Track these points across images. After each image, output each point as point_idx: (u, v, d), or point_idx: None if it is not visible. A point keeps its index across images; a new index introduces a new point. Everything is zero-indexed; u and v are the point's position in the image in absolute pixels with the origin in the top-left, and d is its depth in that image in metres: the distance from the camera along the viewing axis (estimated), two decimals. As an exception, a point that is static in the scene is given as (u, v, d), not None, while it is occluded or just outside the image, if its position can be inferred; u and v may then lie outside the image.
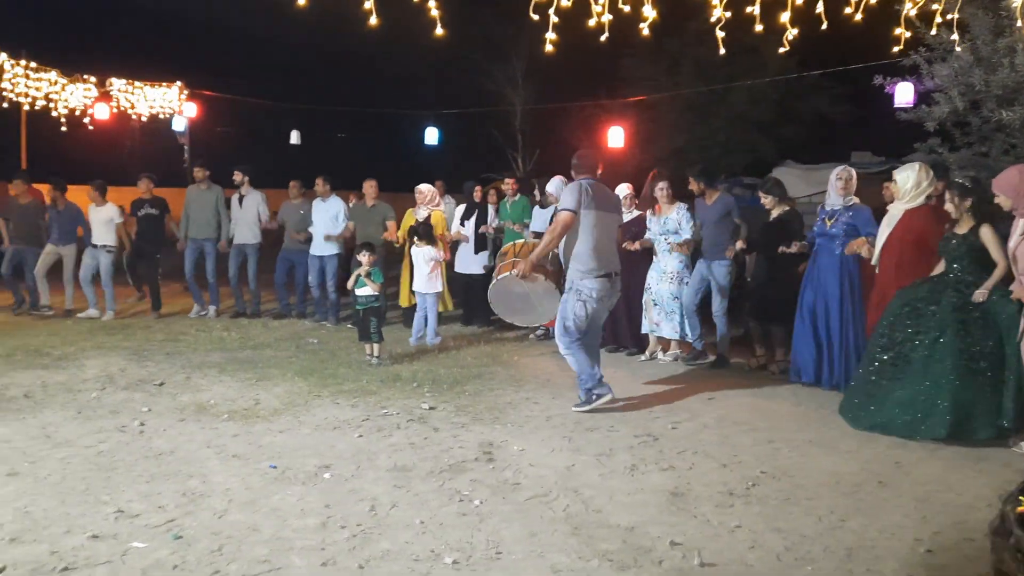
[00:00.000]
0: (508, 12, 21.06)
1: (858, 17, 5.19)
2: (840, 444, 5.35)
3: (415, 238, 8.52)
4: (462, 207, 9.99)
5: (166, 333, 9.01)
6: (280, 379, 6.89)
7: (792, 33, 5.14)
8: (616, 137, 15.73)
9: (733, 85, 19.27)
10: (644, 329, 8.12)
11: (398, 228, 9.56)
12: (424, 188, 9.46)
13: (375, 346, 7.59)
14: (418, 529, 3.88)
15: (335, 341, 8.69)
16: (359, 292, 7.64)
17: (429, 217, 9.10)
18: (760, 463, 4.93)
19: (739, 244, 7.58)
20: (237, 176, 10.23)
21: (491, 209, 9.89)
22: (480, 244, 9.71)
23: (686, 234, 7.76)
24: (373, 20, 4.71)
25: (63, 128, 13.98)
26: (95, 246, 10.09)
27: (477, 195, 9.92)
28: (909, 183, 6.24)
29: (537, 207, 9.42)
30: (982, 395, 5.34)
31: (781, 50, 5.40)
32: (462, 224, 9.77)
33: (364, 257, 7.70)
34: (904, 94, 9.72)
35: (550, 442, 5.28)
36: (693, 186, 7.90)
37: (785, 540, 3.83)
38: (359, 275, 7.66)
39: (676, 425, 5.73)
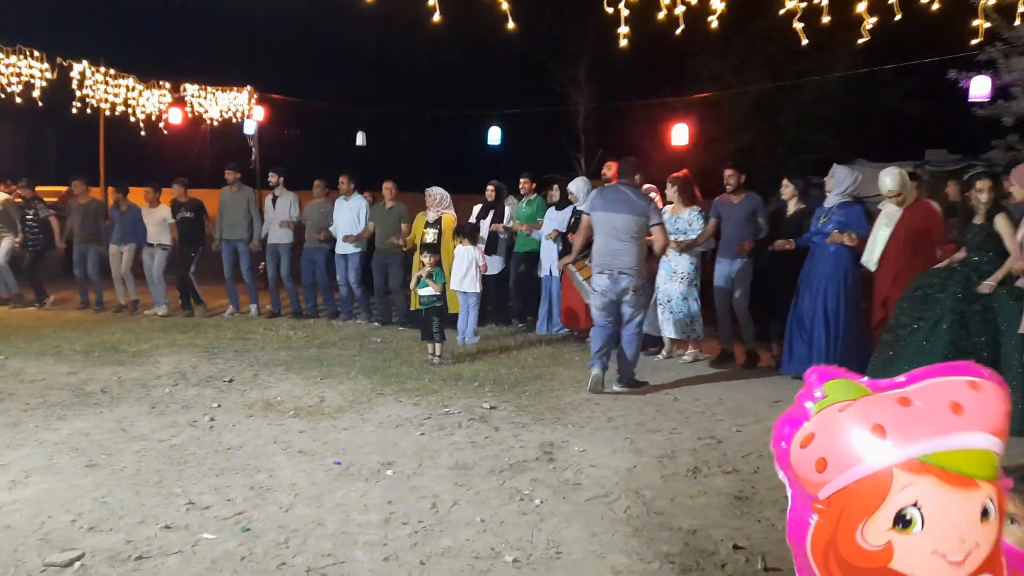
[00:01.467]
0: (572, 11, 21.03)
1: (934, 7, 5.03)
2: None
3: (460, 238, 8.59)
4: (478, 207, 9.96)
5: (235, 331, 9.24)
6: (344, 377, 7.00)
7: (871, 22, 5.01)
8: (680, 135, 15.54)
9: (802, 81, 18.83)
10: (648, 329, 7.91)
11: (409, 231, 9.66)
12: (434, 191, 9.50)
13: (437, 345, 7.65)
14: (479, 527, 3.90)
15: (398, 340, 8.80)
16: (421, 292, 7.72)
17: (439, 220, 9.14)
18: (827, 468, 4.81)
19: (747, 244, 7.58)
20: (272, 178, 10.49)
21: (507, 209, 9.83)
22: (492, 245, 9.63)
23: (694, 235, 7.81)
24: (436, 17, 4.75)
25: (141, 133, 14.48)
26: (150, 245, 10.49)
27: (490, 194, 9.89)
28: (895, 185, 6.62)
29: (552, 208, 9.33)
30: None
31: (860, 40, 5.27)
32: (477, 223, 9.74)
33: (426, 258, 7.78)
34: (980, 88, 9.39)
35: (611, 443, 5.25)
36: (731, 181, 7.81)
37: (853, 547, 3.73)
38: (421, 276, 7.74)
39: (741, 428, 5.64)
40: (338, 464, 4.76)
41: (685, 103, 20.51)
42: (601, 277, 6.60)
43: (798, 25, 5.07)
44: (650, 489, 4.43)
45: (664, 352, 8.11)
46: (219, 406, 6.01)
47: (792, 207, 7.53)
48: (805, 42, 5.28)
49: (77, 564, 3.45)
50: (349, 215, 9.97)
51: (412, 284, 7.84)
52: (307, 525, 3.89)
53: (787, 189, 7.56)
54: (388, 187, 9.98)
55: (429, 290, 7.69)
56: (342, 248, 9.99)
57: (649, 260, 7.86)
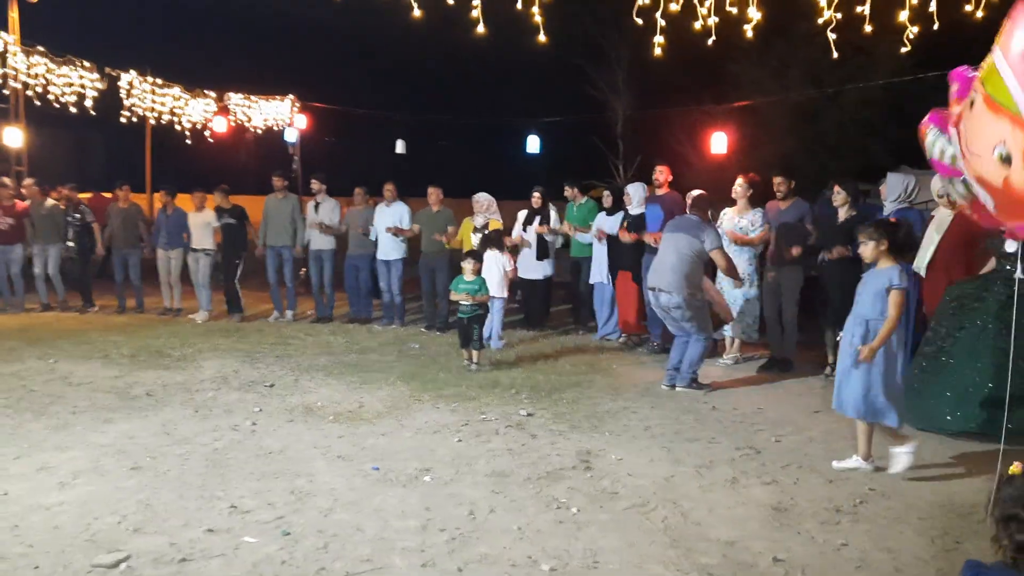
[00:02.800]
0: (610, 19, 21.02)
1: (979, 15, 4.96)
2: (955, 463, 5.10)
3: (489, 246, 8.62)
4: (523, 213, 10.01)
5: (276, 336, 9.37)
6: (383, 383, 7.06)
7: (912, 31, 4.95)
8: (719, 143, 15.44)
9: (845, 88, 18.58)
10: (744, 336, 8.16)
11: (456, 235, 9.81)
12: (481, 197, 9.70)
13: (476, 353, 7.68)
14: (516, 535, 3.91)
15: (436, 346, 8.84)
16: (467, 302, 7.71)
17: (487, 225, 9.22)
18: (869, 480, 4.75)
19: (795, 250, 7.53)
20: (315, 184, 10.61)
21: (553, 214, 9.85)
22: (542, 250, 9.71)
23: (754, 234, 7.86)
24: (480, 28, 4.80)
25: (187, 140, 14.78)
26: (195, 250, 10.68)
27: (536, 201, 9.91)
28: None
29: (603, 213, 9.35)
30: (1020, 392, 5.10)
31: (903, 50, 5.22)
32: (523, 230, 9.83)
33: (469, 265, 7.81)
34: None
35: (649, 452, 5.22)
36: (781, 188, 7.92)
37: (895, 561, 3.67)
38: (464, 290, 7.74)
39: (780, 438, 5.58)
40: (376, 470, 4.80)
41: (722, 110, 20.37)
42: (648, 293, 7.19)
43: (832, 36, 5.03)
44: (688, 499, 4.40)
45: (727, 356, 8.14)
46: (261, 410, 6.10)
47: (843, 214, 7.41)
48: (836, 55, 5.24)
49: (123, 565, 3.53)
50: (391, 220, 10.07)
51: (453, 295, 7.84)
52: (346, 530, 3.93)
53: (838, 196, 7.44)
54: (434, 192, 10.08)
55: (468, 298, 7.71)
56: (384, 254, 10.10)
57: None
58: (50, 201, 11.32)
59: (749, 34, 5.07)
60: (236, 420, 5.83)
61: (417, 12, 4.92)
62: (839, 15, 4.85)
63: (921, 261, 6.67)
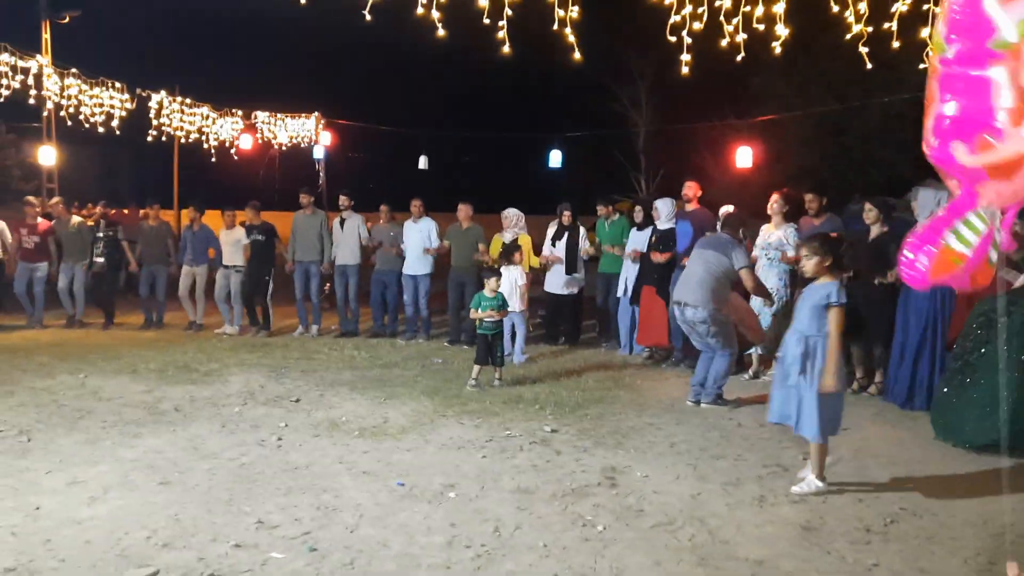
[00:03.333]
0: (632, 35, 21.07)
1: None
2: (988, 481, 5.02)
3: (503, 260, 8.66)
4: (552, 228, 10.05)
5: (301, 351, 9.43)
6: (407, 398, 7.08)
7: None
8: (744, 157, 15.40)
9: (869, 102, 18.47)
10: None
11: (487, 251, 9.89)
12: (510, 213, 9.83)
13: (499, 369, 7.68)
14: (541, 552, 3.90)
15: (459, 361, 8.86)
16: (489, 319, 7.72)
17: (516, 240, 9.28)
18: (900, 498, 4.69)
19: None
20: (343, 200, 10.71)
21: (581, 230, 9.92)
22: (571, 264, 9.75)
23: (790, 251, 7.76)
24: (506, 48, 4.84)
25: (212, 159, 14.99)
26: (226, 267, 10.80)
27: (566, 219, 9.98)
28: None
29: (634, 229, 9.39)
30: None
31: (923, 66, 5.19)
32: (552, 245, 9.88)
33: (492, 282, 7.82)
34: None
35: (674, 469, 5.20)
36: (812, 205, 7.93)
37: (927, 582, 3.62)
38: (486, 304, 7.76)
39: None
40: (402, 485, 4.81)
41: (746, 124, 20.32)
42: (675, 307, 7.15)
43: (863, 50, 5.02)
44: (715, 517, 4.37)
45: (750, 372, 8.09)
46: (286, 426, 6.14)
47: (875, 231, 7.34)
48: (870, 66, 5.22)
49: (152, 580, 3.56)
50: (419, 236, 10.15)
51: (474, 314, 7.82)
52: (372, 546, 3.94)
53: (870, 213, 7.37)
54: (464, 208, 10.18)
55: (495, 316, 7.72)
56: (412, 269, 10.18)
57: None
58: (76, 219, 11.49)
59: (777, 50, 5.06)
60: (262, 435, 5.87)
61: (442, 32, 4.97)
62: (869, 28, 4.83)
63: None
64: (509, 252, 8.82)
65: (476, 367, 7.59)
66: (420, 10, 4.93)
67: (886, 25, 4.78)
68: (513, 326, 8.84)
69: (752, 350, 8.07)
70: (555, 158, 18.45)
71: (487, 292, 7.79)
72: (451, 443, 5.72)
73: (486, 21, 4.91)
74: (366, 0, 4.81)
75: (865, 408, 6.90)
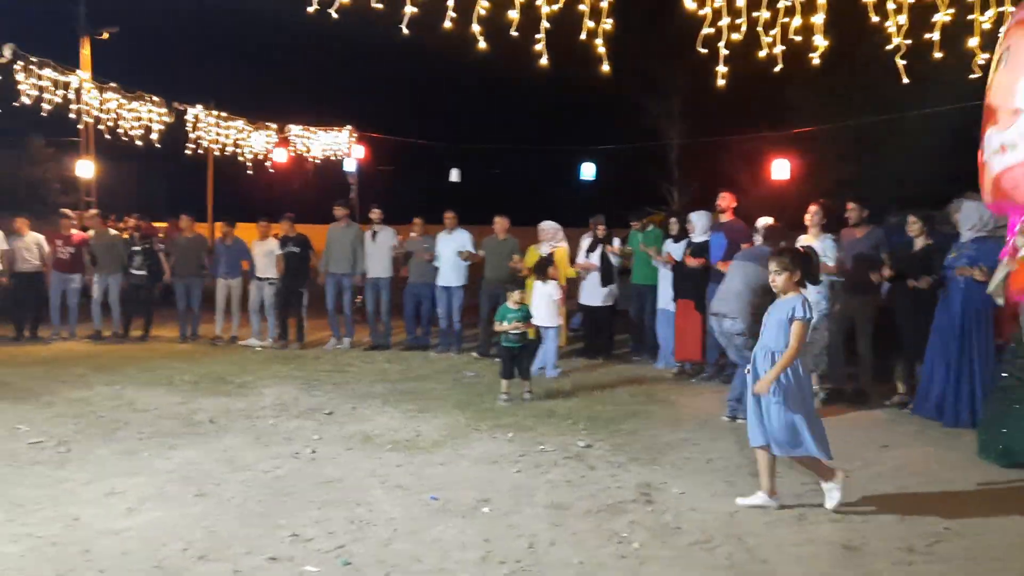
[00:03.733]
0: (665, 46, 20.96)
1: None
2: (1037, 502, 4.89)
3: (539, 274, 8.63)
4: (586, 241, 10.01)
5: (333, 364, 9.47)
6: (440, 411, 7.07)
7: (983, 58, 4.84)
8: (781, 169, 15.25)
9: (908, 114, 18.19)
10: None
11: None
12: (547, 225, 9.88)
13: (528, 381, 7.64)
14: (577, 569, 3.85)
15: (491, 375, 8.82)
16: (514, 331, 7.67)
17: (552, 254, 9.27)
18: (943, 518, 4.57)
19: (874, 276, 7.44)
20: (375, 213, 10.79)
21: (616, 241, 9.90)
22: (606, 276, 9.72)
23: (829, 262, 7.61)
24: (544, 60, 4.84)
25: (248, 171, 15.17)
26: (259, 279, 10.90)
27: (600, 231, 9.95)
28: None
29: (669, 240, 9.32)
30: None
31: (972, 76, 5.11)
32: (587, 256, 9.87)
33: (515, 295, 7.76)
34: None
35: (711, 486, 5.12)
36: (852, 214, 7.81)
37: (975, 606, 3.52)
38: (509, 317, 7.72)
39: (848, 473, 5.39)
40: (435, 499, 4.79)
41: (782, 137, 20.10)
42: (712, 319, 7.12)
43: (901, 62, 4.95)
44: (753, 535, 4.29)
45: None
46: (320, 438, 6.15)
47: (919, 243, 7.27)
48: (905, 80, 5.15)
49: (188, 592, 3.57)
50: (453, 248, 10.19)
51: (499, 326, 7.76)
52: (406, 560, 3.92)
53: (915, 226, 7.32)
54: (501, 221, 10.22)
55: (520, 328, 7.68)
56: (445, 280, 10.21)
57: None
58: (112, 232, 11.69)
59: (816, 61, 5.01)
60: (296, 447, 5.88)
61: (483, 45, 4.97)
62: (908, 41, 4.76)
63: (995, 287, 6.46)
64: (543, 267, 8.78)
65: (504, 381, 7.57)
66: (449, 24, 4.94)
67: (927, 36, 4.70)
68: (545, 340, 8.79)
69: None
70: (588, 171, 18.43)
71: (511, 304, 7.75)
72: (484, 457, 5.69)
73: (514, 34, 4.92)
74: (402, 15, 4.84)
75: (906, 425, 6.76)
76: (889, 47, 4.91)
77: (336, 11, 4.85)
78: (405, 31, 4.83)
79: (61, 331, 11.26)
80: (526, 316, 7.76)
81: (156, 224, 13.82)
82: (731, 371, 8.02)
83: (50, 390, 7.75)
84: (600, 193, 22.18)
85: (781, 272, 4.74)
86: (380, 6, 4.82)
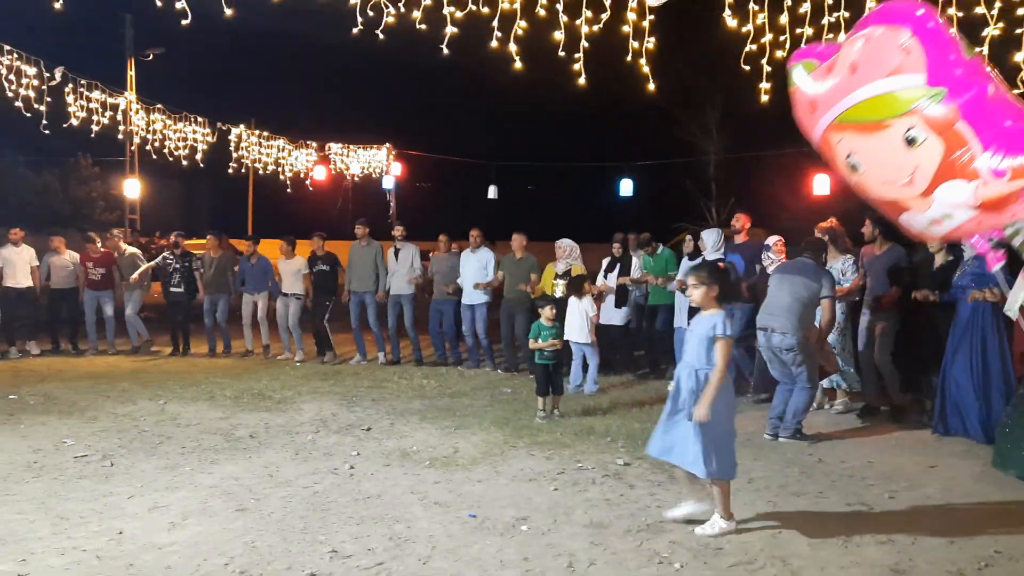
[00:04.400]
0: (704, 63, 20.92)
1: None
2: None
3: (572, 291, 8.59)
4: (606, 260, 10.03)
5: (372, 380, 9.52)
6: (477, 428, 7.06)
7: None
8: (822, 185, 15.08)
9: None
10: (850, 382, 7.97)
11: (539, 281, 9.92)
12: (564, 243, 9.81)
13: (558, 398, 7.62)
14: (617, 590, 3.80)
15: (528, 391, 8.79)
16: (549, 349, 7.65)
17: (569, 271, 9.26)
18: (993, 540, 4.44)
19: (894, 292, 7.44)
20: (397, 231, 10.93)
21: (635, 261, 9.89)
22: (621, 298, 9.71)
23: (847, 283, 7.65)
24: (582, 80, 4.86)
25: (287, 189, 15.41)
26: (285, 295, 11.12)
27: (616, 249, 9.97)
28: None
29: (685, 259, 9.36)
30: None
31: (1017, 91, 5.01)
32: (605, 276, 9.87)
33: (548, 311, 7.74)
34: None
35: (753, 506, 5.04)
36: (867, 231, 7.80)
37: (1031, 634, 3.41)
38: (543, 333, 7.70)
39: (894, 494, 5.29)
40: (473, 517, 4.78)
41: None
42: (760, 334, 6.97)
43: None
44: (797, 557, 4.21)
45: (814, 404, 7.85)
46: (358, 454, 6.18)
47: (939, 260, 7.21)
48: None
49: (230, 607, 3.59)
50: (476, 266, 10.24)
51: (533, 343, 7.74)
52: (445, 579, 3.91)
53: (934, 244, 7.23)
54: (518, 238, 10.22)
55: (556, 346, 7.65)
56: (469, 298, 10.25)
57: None
58: (131, 249, 12.08)
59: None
60: (335, 463, 5.92)
61: (519, 64, 5.00)
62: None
63: (1013, 304, 6.42)
64: (579, 284, 8.76)
65: (540, 399, 7.54)
66: (492, 43, 4.97)
67: (975, 49, 4.62)
68: (584, 357, 8.77)
69: (840, 384, 7.89)
70: (626, 187, 18.41)
71: (544, 321, 7.72)
72: (522, 475, 5.66)
73: (561, 54, 4.94)
74: (443, 35, 4.89)
75: (953, 444, 6.60)
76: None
77: (381, 31, 4.91)
78: (445, 51, 4.88)
79: (98, 345, 11.60)
80: (560, 333, 7.75)
81: (199, 242, 14.14)
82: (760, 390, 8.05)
83: (95, 405, 7.90)
84: (638, 209, 22.14)
85: (698, 286, 4.64)
86: (423, 27, 4.87)
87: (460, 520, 4.73)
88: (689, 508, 4.69)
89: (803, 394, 6.71)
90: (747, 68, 4.75)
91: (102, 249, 11.82)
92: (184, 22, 5.07)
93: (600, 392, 8.69)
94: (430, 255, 11.13)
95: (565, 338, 8.29)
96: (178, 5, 5.06)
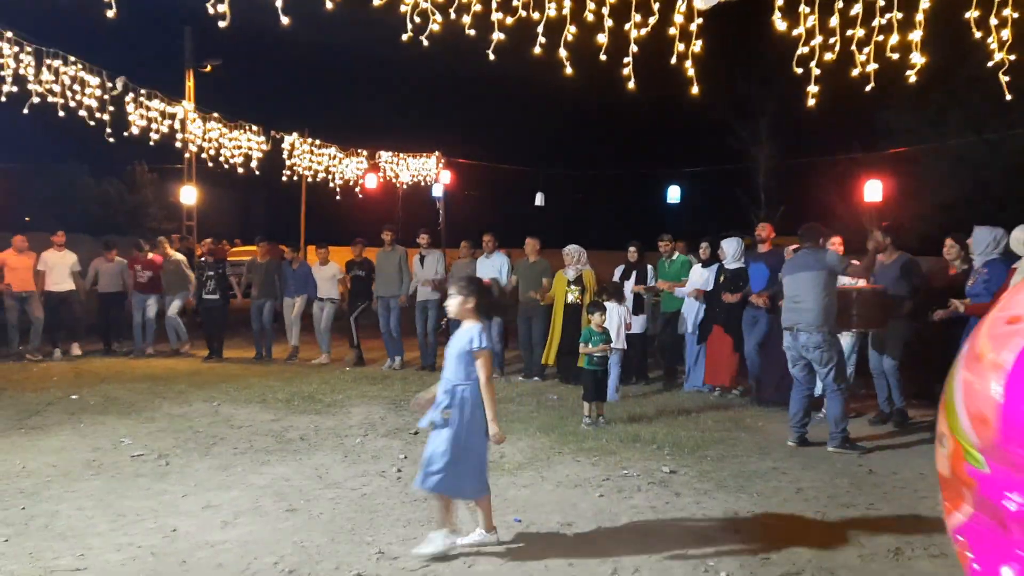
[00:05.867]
0: (754, 69, 20.70)
1: None
2: None
3: (604, 297, 8.55)
4: (620, 268, 10.03)
5: (419, 385, 9.57)
6: (523, 434, 7.07)
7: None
8: (874, 191, 14.83)
9: (1010, 134, 17.43)
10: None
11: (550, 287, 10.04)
12: (571, 249, 9.89)
13: (601, 405, 7.59)
14: (662, 597, 3.79)
15: (574, 398, 8.78)
16: (598, 354, 7.65)
17: (580, 278, 9.25)
18: (1055, 559, 4.31)
19: (907, 305, 7.43)
20: (423, 239, 11.09)
21: (650, 269, 9.93)
22: (637, 306, 9.70)
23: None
24: (631, 84, 4.87)
25: (337, 197, 15.65)
26: (320, 299, 11.48)
27: (632, 255, 9.95)
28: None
29: (698, 266, 9.39)
30: None
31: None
32: (622, 283, 9.80)
33: (597, 317, 7.74)
34: None
35: (802, 516, 4.97)
36: (874, 241, 7.54)
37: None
38: (594, 338, 7.69)
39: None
40: (519, 521, 4.79)
41: (875, 158, 19.51)
42: (785, 335, 6.91)
43: (1004, 78, 4.76)
44: (847, 570, 4.14)
45: (822, 412, 7.75)
46: (405, 458, 6.24)
47: (956, 268, 7.19)
48: (1008, 97, 4.96)
49: (279, 604, 3.66)
50: (491, 271, 10.34)
51: (583, 347, 7.76)
52: (489, 582, 3.93)
53: (952, 249, 7.24)
54: (531, 243, 10.40)
55: (606, 351, 7.65)
56: None
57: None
58: (177, 256, 12.46)
59: (912, 79, 4.87)
60: (383, 466, 5.99)
61: (570, 70, 5.03)
62: (1012, 56, 4.58)
63: None
64: (617, 289, 8.75)
65: (587, 404, 7.53)
66: (538, 49, 5.01)
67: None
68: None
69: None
70: (673, 193, 18.30)
71: (594, 327, 7.72)
72: (567, 481, 5.67)
73: (603, 58, 4.95)
74: (490, 40, 4.94)
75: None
76: (991, 63, 4.73)
77: (427, 38, 4.97)
78: (492, 57, 4.92)
79: (145, 348, 12.03)
80: (609, 339, 7.74)
81: (224, 247, 14.54)
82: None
83: (152, 406, 8.11)
84: (686, 216, 21.98)
85: (456, 295, 4.44)
86: (472, 32, 4.93)
87: (505, 524, 4.75)
88: (441, 540, 4.31)
89: (836, 400, 6.66)
90: (799, 71, 4.71)
91: (150, 255, 12.25)
92: (233, 32, 5.15)
93: (644, 399, 8.65)
94: (448, 261, 11.32)
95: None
96: (221, 21, 5.12)
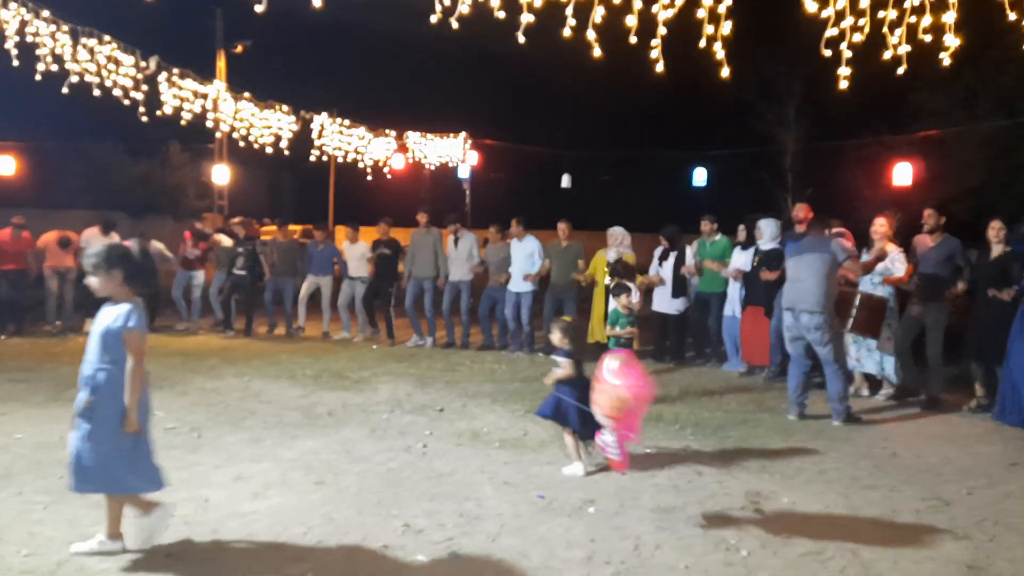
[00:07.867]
0: (782, 51, 20.43)
1: None
2: None
3: (616, 277, 8.56)
4: (659, 250, 10.01)
5: (445, 363, 9.71)
6: (548, 413, 7.13)
7: None
8: (903, 174, 14.65)
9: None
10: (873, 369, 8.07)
11: (587, 267, 10.12)
12: (615, 231, 9.98)
13: None
14: (682, 573, 3.85)
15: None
16: (625, 336, 7.65)
17: (621, 258, 9.24)
18: (1078, 543, 4.32)
19: (960, 286, 7.39)
20: (453, 226, 11.11)
21: (689, 251, 9.91)
22: (679, 288, 9.73)
23: (898, 272, 7.71)
24: (660, 67, 4.87)
25: (368, 177, 15.75)
26: (351, 278, 11.53)
27: (664, 243, 9.96)
28: None
29: (738, 248, 9.38)
30: None
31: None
32: (659, 265, 9.88)
33: (624, 299, 7.74)
34: None
35: (824, 497, 4.99)
36: (929, 220, 7.68)
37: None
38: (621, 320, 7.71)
39: (972, 491, 5.17)
40: (542, 498, 4.87)
41: (904, 141, 19.23)
42: (786, 315, 7.07)
43: None
44: (869, 549, 4.17)
45: (852, 389, 7.80)
46: (431, 434, 6.34)
47: (996, 251, 7.18)
48: None
49: (309, 575, 3.77)
50: (523, 255, 10.39)
51: (608, 331, 7.78)
52: (512, 556, 4.02)
53: (994, 231, 7.19)
54: (563, 226, 10.46)
55: (633, 333, 7.65)
56: (515, 286, 10.44)
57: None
58: (222, 236, 12.63)
59: (946, 62, 4.83)
60: (409, 442, 6.09)
61: (598, 52, 5.03)
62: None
63: None
64: (628, 270, 8.78)
65: None
66: (568, 32, 5.01)
67: (1067, 32, 4.45)
68: None
69: (851, 367, 7.93)
70: (699, 176, 18.20)
71: (621, 308, 7.72)
72: (590, 458, 5.72)
73: (633, 40, 4.95)
74: (519, 23, 4.96)
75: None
76: (1024, 46, 4.67)
77: (457, 19, 5.00)
78: (522, 39, 4.94)
79: (196, 326, 12.23)
80: (635, 321, 7.75)
81: (254, 226, 14.70)
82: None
83: (185, 380, 8.28)
84: (712, 199, 21.85)
85: (95, 273, 3.95)
86: (502, 14, 4.95)
87: (529, 500, 4.83)
88: (100, 540, 3.98)
89: (836, 379, 6.83)
90: (828, 53, 4.67)
91: (207, 231, 12.50)
92: (265, 13, 5.17)
93: (667, 379, 8.66)
94: (485, 244, 11.34)
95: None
96: (257, 5, 5.16)
